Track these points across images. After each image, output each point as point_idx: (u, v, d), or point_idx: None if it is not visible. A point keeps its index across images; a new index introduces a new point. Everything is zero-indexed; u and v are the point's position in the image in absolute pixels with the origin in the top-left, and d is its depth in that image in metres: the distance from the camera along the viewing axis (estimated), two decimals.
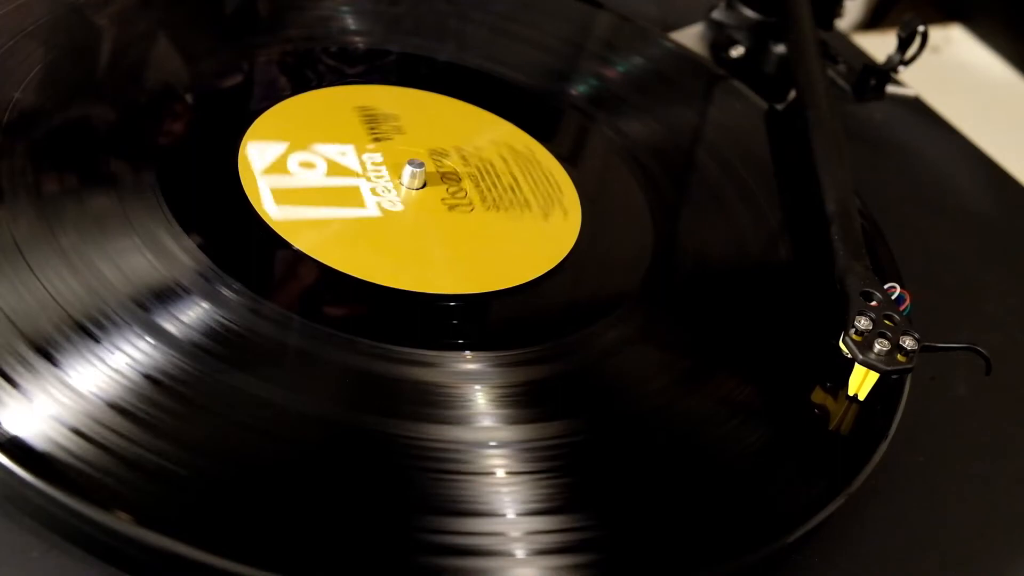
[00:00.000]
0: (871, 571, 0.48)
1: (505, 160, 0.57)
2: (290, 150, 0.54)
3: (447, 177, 0.55)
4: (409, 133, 0.57)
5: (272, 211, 0.51)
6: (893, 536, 0.49)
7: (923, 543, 0.50)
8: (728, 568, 0.43)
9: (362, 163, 0.55)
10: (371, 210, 0.53)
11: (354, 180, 0.54)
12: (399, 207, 0.53)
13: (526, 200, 0.55)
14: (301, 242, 0.50)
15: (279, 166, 0.53)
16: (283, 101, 0.57)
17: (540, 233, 0.54)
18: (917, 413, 0.52)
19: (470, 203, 0.54)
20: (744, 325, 0.53)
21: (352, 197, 0.53)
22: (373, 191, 0.53)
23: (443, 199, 0.54)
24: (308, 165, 0.54)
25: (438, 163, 0.56)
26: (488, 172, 0.56)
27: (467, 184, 0.55)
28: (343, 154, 0.55)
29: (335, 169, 0.54)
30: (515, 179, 0.56)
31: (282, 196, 0.52)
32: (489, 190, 0.55)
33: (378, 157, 0.55)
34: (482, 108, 0.61)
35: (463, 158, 0.57)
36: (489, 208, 0.54)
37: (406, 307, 0.49)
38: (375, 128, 0.57)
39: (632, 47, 0.69)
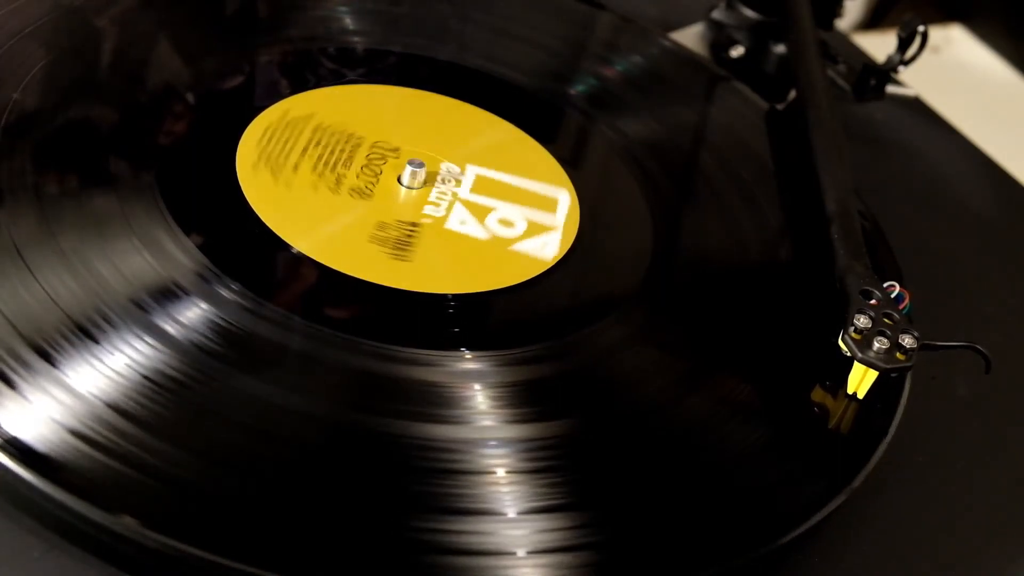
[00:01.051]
0: (871, 571, 0.48)
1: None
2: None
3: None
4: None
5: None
6: (893, 536, 0.49)
7: (923, 543, 0.50)
8: (728, 568, 0.43)
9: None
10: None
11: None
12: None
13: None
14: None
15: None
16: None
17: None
18: (917, 413, 0.52)
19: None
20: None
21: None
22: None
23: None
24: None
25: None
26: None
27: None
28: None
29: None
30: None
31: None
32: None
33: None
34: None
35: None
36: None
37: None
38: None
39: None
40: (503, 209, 0.55)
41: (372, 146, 0.56)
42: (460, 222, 0.54)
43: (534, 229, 0.55)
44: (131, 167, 0.51)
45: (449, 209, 0.54)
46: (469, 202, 0.55)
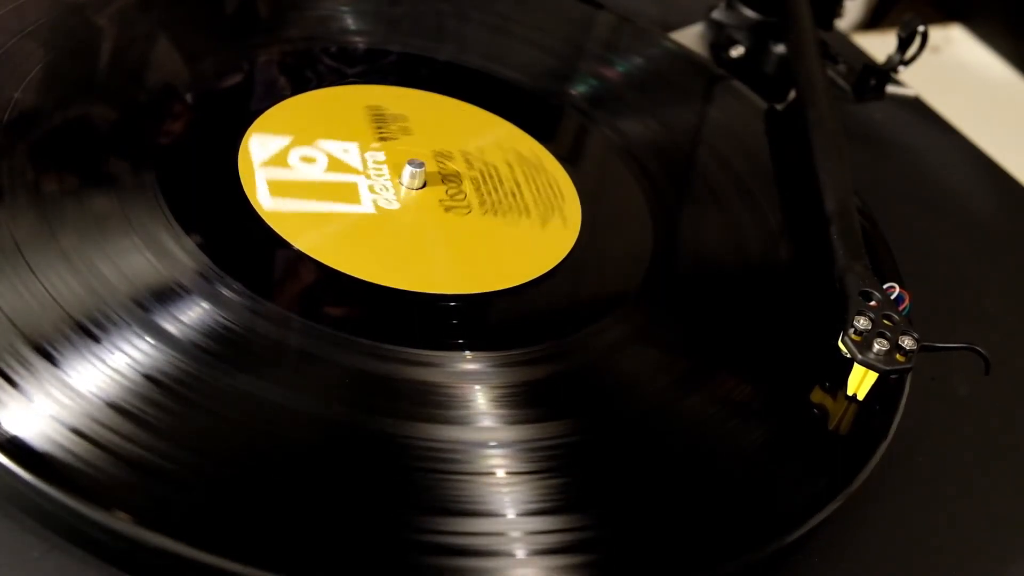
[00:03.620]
0: (871, 571, 0.48)
1: (511, 166, 0.57)
2: (293, 144, 0.55)
3: (448, 179, 0.55)
4: (416, 134, 0.57)
5: (265, 202, 0.51)
6: (893, 536, 0.49)
7: (923, 543, 0.50)
8: (728, 568, 0.43)
9: (364, 161, 0.55)
10: (366, 207, 0.53)
11: (353, 177, 0.54)
12: (395, 206, 0.53)
13: (526, 207, 0.55)
14: (301, 242, 0.50)
15: (279, 159, 0.54)
16: (290, 98, 0.58)
17: (536, 239, 0.54)
18: (917, 413, 0.52)
19: (468, 206, 0.54)
20: (744, 325, 0.53)
21: (349, 193, 0.53)
22: (371, 188, 0.54)
23: (441, 200, 0.54)
24: (309, 160, 0.54)
25: (441, 165, 0.56)
26: (491, 177, 0.56)
27: (467, 187, 0.55)
28: (346, 151, 0.55)
29: (335, 165, 0.54)
30: (518, 185, 0.56)
31: (278, 188, 0.52)
32: (489, 194, 0.55)
33: (381, 156, 0.55)
34: (483, 108, 0.61)
35: (467, 161, 0.57)
36: (487, 212, 0.54)
37: (406, 307, 0.49)
38: (382, 128, 0.57)
39: (632, 47, 0.70)
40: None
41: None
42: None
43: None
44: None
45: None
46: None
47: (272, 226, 0.50)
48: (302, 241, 0.50)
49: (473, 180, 0.56)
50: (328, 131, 0.56)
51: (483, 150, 0.58)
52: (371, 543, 0.40)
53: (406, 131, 0.57)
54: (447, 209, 0.54)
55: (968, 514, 0.52)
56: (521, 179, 0.56)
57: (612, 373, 0.49)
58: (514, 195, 0.55)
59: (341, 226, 0.51)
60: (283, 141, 0.55)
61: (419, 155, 0.55)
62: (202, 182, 0.52)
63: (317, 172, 0.54)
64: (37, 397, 0.41)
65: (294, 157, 0.54)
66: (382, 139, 0.56)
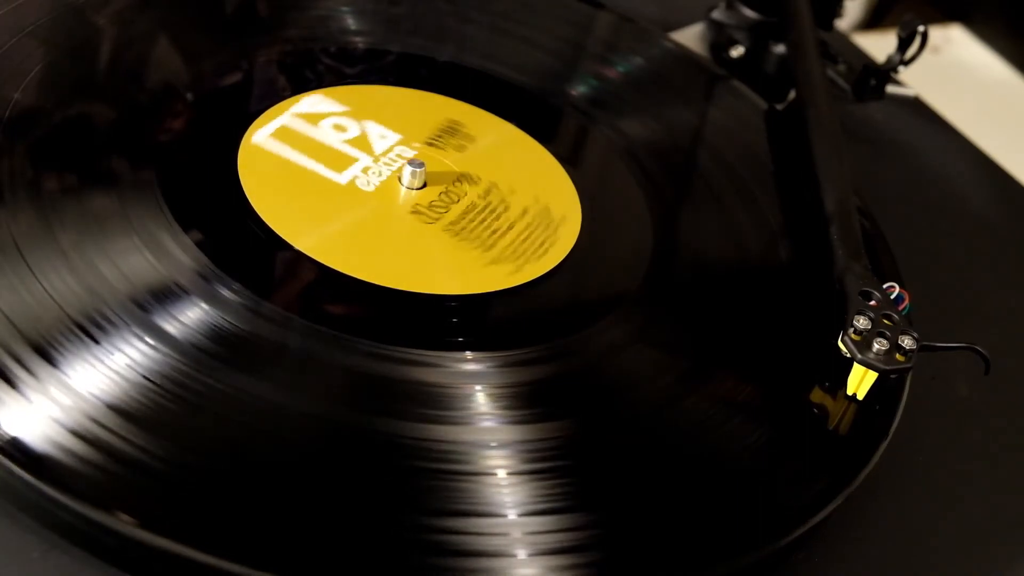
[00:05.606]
0: (871, 571, 0.48)
1: (525, 212, 0.55)
2: (343, 114, 0.56)
3: (447, 194, 0.55)
4: (468, 154, 0.57)
5: (258, 138, 0.53)
6: (893, 536, 0.49)
7: (923, 543, 0.50)
8: (729, 567, 0.43)
9: (389, 149, 0.56)
10: (341, 179, 0.53)
11: (361, 154, 0.55)
12: (369, 189, 0.53)
13: (492, 245, 0.53)
14: (301, 242, 0.50)
15: (313, 118, 0.56)
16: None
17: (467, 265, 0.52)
18: (917, 413, 0.52)
19: (436, 218, 0.53)
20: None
21: (339, 162, 0.54)
22: (364, 170, 0.54)
23: (417, 203, 0.53)
24: (340, 128, 0.56)
25: (457, 184, 0.55)
26: (493, 212, 0.54)
27: (457, 207, 0.54)
28: (383, 136, 0.56)
29: (359, 142, 0.55)
30: (510, 227, 0.54)
31: (283, 134, 0.54)
32: (471, 221, 0.54)
33: (409, 153, 0.56)
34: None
35: (487, 192, 0.55)
36: (448, 230, 0.53)
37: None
38: (441, 138, 0.57)
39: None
40: None
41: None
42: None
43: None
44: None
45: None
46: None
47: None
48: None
49: (472, 206, 0.54)
50: (387, 119, 0.57)
51: (513, 191, 0.56)
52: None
53: (461, 149, 0.57)
54: (414, 211, 0.53)
55: (968, 514, 0.52)
56: (520, 226, 0.54)
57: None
58: (494, 232, 0.54)
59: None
60: (335, 107, 0.56)
61: (449, 171, 0.56)
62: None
63: (334, 138, 0.55)
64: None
65: (329, 121, 0.56)
66: (430, 144, 0.57)
